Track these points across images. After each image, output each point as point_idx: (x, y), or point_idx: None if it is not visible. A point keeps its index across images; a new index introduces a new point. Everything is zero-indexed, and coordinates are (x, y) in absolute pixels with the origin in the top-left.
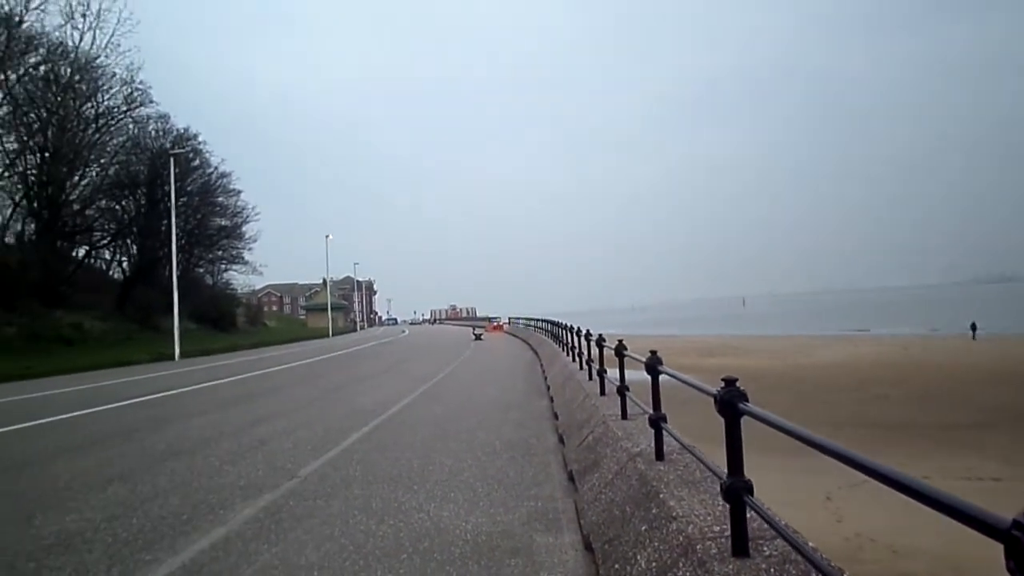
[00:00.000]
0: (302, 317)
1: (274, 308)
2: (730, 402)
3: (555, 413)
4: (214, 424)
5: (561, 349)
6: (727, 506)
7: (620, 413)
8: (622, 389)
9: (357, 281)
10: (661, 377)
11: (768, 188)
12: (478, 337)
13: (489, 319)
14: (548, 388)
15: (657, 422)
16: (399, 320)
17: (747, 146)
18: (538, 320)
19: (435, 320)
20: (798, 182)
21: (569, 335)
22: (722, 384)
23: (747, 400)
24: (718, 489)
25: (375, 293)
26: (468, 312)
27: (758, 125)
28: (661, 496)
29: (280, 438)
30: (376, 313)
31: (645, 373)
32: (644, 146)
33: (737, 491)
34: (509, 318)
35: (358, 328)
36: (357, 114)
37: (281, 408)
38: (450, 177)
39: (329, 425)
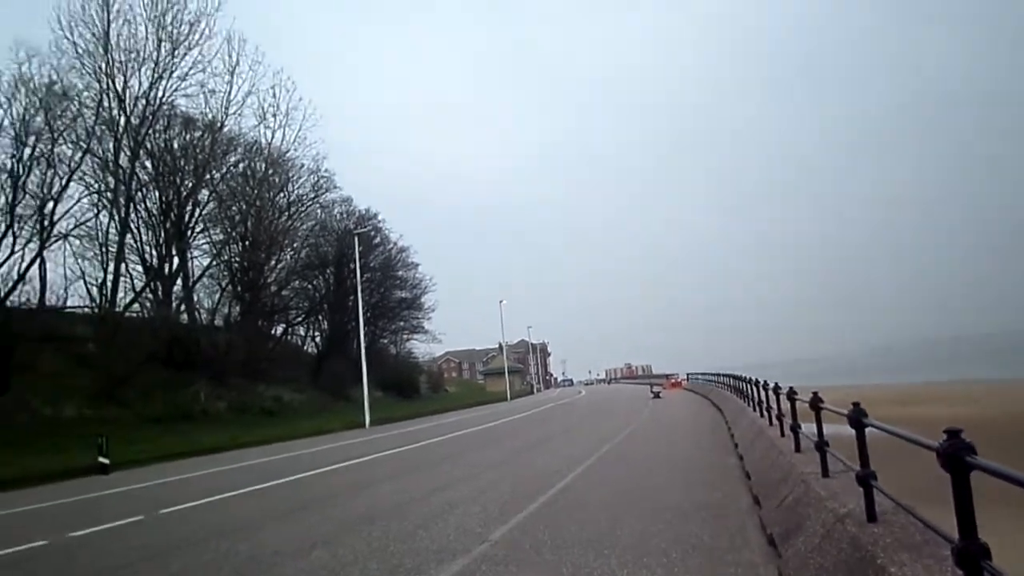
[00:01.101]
0: (480, 382)
1: (453, 374)
2: (956, 456)
3: (746, 472)
4: (405, 489)
5: (746, 404)
6: (961, 573)
7: (820, 471)
8: (821, 445)
9: (531, 344)
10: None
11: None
12: (656, 395)
13: (667, 376)
14: (736, 445)
15: (866, 479)
16: (574, 381)
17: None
18: (717, 375)
19: (610, 380)
20: (924, 221)
21: (754, 389)
22: (944, 436)
23: (975, 453)
24: (946, 554)
25: (549, 355)
26: (643, 370)
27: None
28: (879, 562)
29: (468, 502)
30: (551, 375)
31: (848, 427)
32: (797, 196)
33: (973, 555)
34: (687, 374)
35: (534, 390)
36: (536, 182)
37: (467, 472)
38: (623, 233)
39: (515, 488)
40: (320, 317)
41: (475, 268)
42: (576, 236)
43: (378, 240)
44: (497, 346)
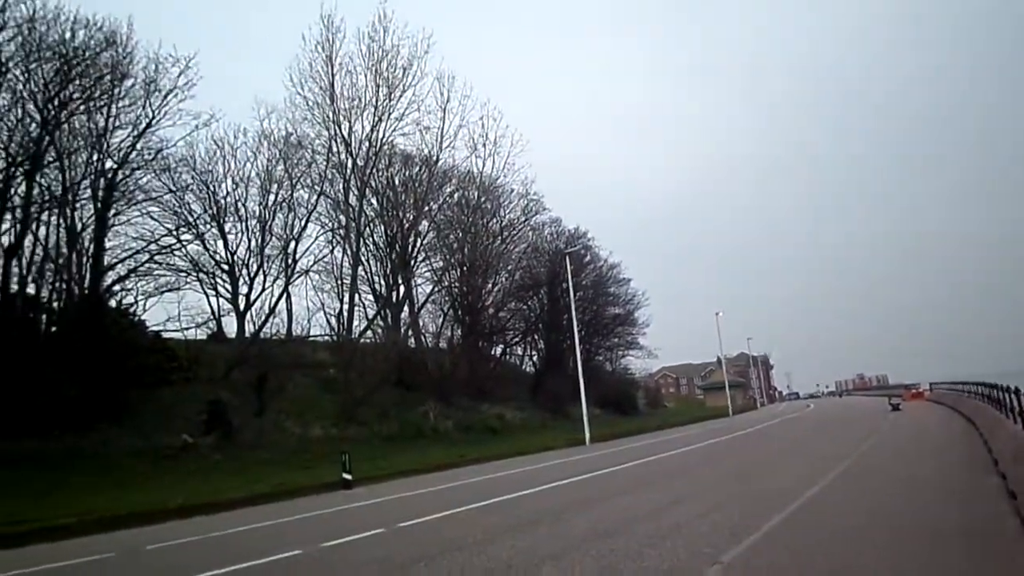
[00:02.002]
0: (700, 397)
1: (671, 389)
2: None
3: (1011, 492)
4: (631, 506)
5: (1006, 416)
6: None
7: None
8: None
9: (752, 356)
10: None
11: None
12: (895, 407)
13: (906, 386)
14: (996, 462)
15: None
16: (800, 394)
17: None
18: (965, 384)
19: (840, 392)
20: None
21: (1014, 399)
22: None
23: None
24: None
25: (771, 367)
26: (878, 381)
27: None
28: None
29: (695, 521)
30: (775, 388)
31: None
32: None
33: None
34: (931, 384)
35: (757, 405)
36: (756, 191)
37: (691, 490)
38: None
39: (745, 507)
40: (536, 336)
41: (690, 280)
42: (796, 242)
43: (588, 258)
44: (715, 360)
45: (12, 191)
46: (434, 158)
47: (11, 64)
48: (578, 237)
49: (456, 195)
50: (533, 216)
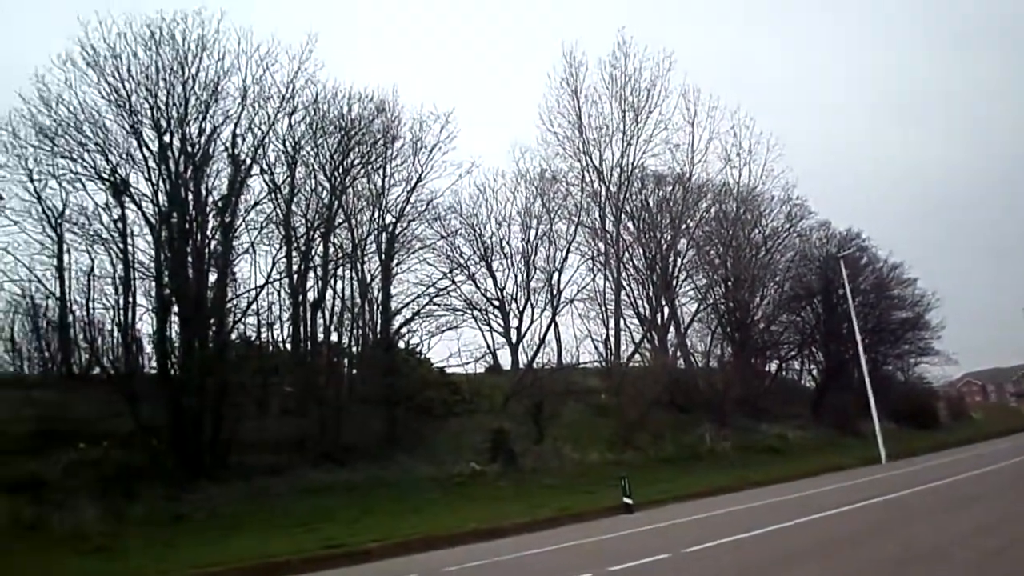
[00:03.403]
0: (1013, 405)
1: (976, 398)
2: None
3: None
4: (942, 529)
5: None
6: None
7: None
8: None
9: None
10: None
11: None
12: None
13: None
14: None
15: None
16: None
17: None
18: None
19: None
20: None
21: None
22: None
23: None
24: None
25: None
26: None
27: None
28: None
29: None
30: None
31: None
32: None
33: None
34: None
35: None
36: None
37: (1012, 512)
38: None
39: None
40: (813, 348)
41: (999, 272)
42: None
43: (865, 260)
44: None
45: (312, 252)
46: (687, 175)
47: (303, 142)
48: (851, 239)
49: (713, 209)
50: (798, 222)
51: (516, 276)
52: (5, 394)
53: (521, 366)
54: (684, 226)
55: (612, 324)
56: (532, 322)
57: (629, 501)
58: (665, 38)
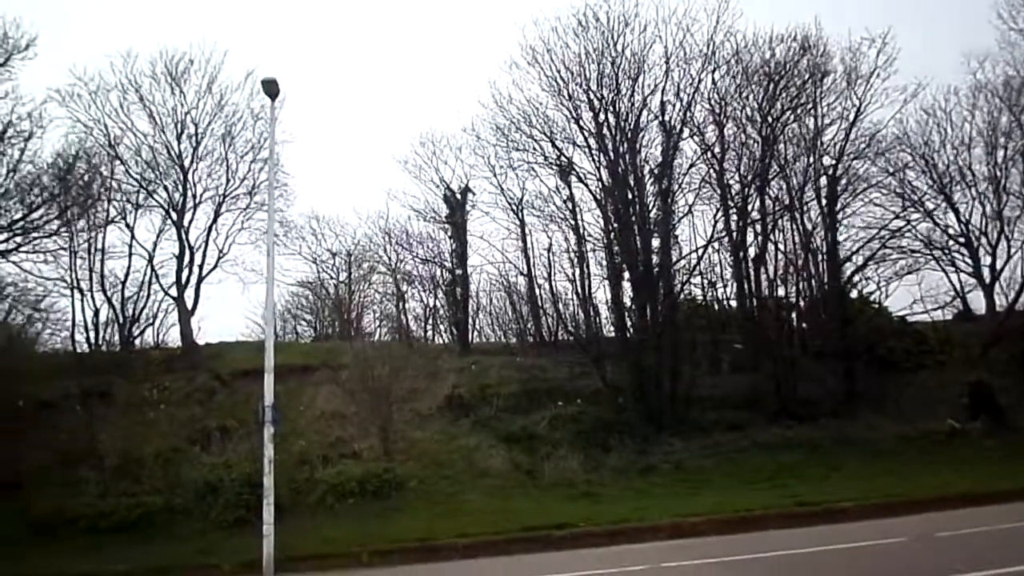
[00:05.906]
0: None
1: None
2: None
3: None
4: None
5: None
6: None
7: None
8: None
9: None
10: None
11: None
12: None
13: None
14: None
15: None
16: None
17: None
18: None
19: None
20: None
21: None
22: None
23: None
24: None
25: None
26: None
27: None
28: None
29: None
30: None
31: None
32: None
33: None
34: None
35: None
36: None
37: None
38: None
39: None
40: None
41: None
42: None
43: None
44: None
45: (750, 207)
46: None
47: (728, 98)
48: None
49: None
50: None
51: (984, 206)
52: (495, 360)
53: (999, 309)
54: None
55: None
56: (1008, 258)
57: None
58: None
